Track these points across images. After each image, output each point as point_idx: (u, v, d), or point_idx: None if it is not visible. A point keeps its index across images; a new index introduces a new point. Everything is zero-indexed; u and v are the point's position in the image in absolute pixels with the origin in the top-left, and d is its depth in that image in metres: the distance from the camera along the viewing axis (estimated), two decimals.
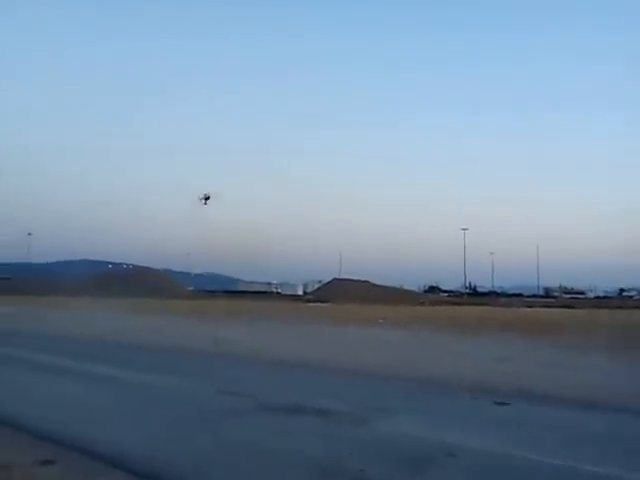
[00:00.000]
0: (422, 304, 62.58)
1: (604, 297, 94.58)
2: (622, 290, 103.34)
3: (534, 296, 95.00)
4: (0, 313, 35.50)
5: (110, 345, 19.26)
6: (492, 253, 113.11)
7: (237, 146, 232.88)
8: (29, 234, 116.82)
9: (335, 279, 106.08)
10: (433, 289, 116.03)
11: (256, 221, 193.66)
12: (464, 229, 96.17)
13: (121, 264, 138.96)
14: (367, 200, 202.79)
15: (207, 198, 66.52)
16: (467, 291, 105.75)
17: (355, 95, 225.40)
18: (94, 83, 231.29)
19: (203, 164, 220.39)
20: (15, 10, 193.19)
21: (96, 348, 18.26)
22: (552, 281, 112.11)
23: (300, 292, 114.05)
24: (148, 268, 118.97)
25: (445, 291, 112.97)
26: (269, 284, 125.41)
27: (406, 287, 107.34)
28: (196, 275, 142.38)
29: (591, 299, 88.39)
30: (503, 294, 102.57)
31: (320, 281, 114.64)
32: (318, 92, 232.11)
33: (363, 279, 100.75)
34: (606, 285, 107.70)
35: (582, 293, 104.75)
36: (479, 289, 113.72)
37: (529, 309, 50.91)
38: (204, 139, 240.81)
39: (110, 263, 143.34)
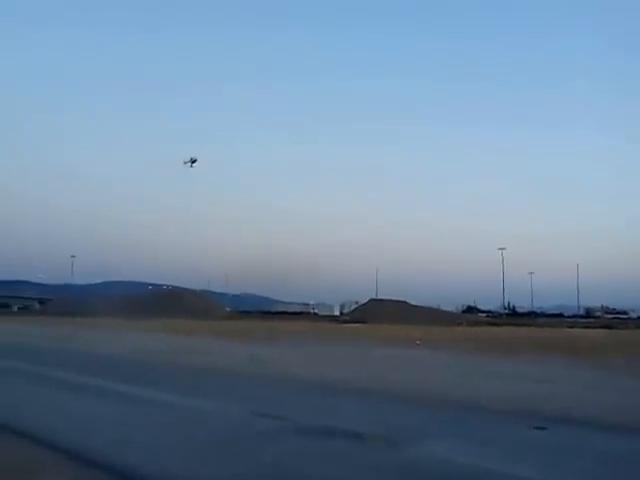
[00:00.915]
0: (460, 325, 61.59)
1: None
2: None
3: (575, 316, 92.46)
4: (40, 334, 36.45)
5: (146, 365, 19.49)
6: (531, 273, 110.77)
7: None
8: (72, 256, 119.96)
9: (372, 299, 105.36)
10: (471, 309, 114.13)
11: (293, 242, 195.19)
12: (502, 248, 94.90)
13: (161, 285, 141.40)
14: (403, 220, 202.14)
15: (193, 161, 66.97)
16: (506, 311, 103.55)
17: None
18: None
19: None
20: None
21: (131, 368, 18.50)
22: (593, 301, 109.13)
23: (337, 313, 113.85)
24: (187, 289, 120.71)
25: (483, 311, 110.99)
26: (306, 305, 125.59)
27: (443, 307, 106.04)
28: (234, 296, 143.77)
29: (634, 319, 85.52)
30: (543, 314, 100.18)
31: (357, 302, 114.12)
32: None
33: (400, 299, 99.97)
34: None
35: (624, 313, 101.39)
36: (518, 309, 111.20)
37: (570, 330, 49.53)
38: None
39: (150, 284, 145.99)
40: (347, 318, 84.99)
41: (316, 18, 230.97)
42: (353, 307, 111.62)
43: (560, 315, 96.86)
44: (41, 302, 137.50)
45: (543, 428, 9.51)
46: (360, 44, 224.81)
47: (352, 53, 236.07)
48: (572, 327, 54.58)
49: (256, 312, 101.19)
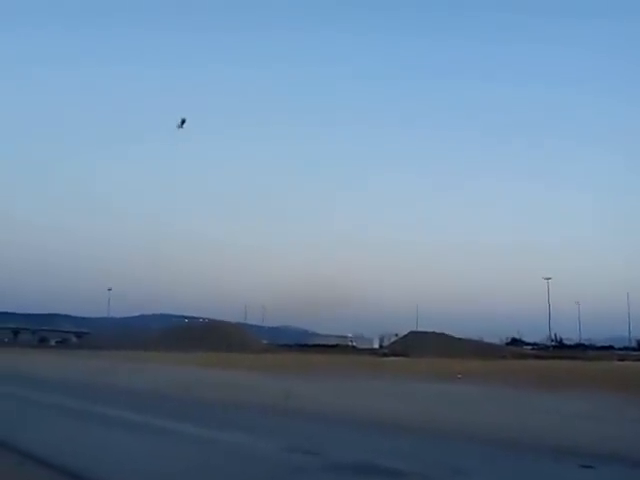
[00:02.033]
0: (503, 358, 59.75)
1: None
2: None
3: (626, 349, 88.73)
4: (78, 368, 36.97)
5: (180, 400, 19.46)
6: (578, 303, 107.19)
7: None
8: (109, 289, 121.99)
9: (412, 332, 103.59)
10: (516, 342, 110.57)
11: (330, 273, 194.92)
12: (547, 278, 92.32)
13: (197, 318, 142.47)
14: (445, 249, 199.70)
15: (183, 121, 67.49)
16: (552, 344, 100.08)
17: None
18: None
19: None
20: None
21: (166, 403, 18.51)
22: None
23: (376, 345, 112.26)
24: (223, 322, 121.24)
25: (529, 344, 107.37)
26: (344, 337, 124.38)
27: (486, 339, 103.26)
28: (271, 328, 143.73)
29: None
30: (592, 347, 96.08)
31: (396, 334, 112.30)
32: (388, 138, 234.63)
33: (441, 331, 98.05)
34: None
35: None
36: (566, 341, 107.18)
37: (620, 363, 47.37)
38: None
39: (186, 317, 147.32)
40: (386, 351, 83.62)
41: None
42: (392, 340, 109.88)
43: (610, 347, 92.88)
44: (78, 335, 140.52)
45: (590, 467, 9.07)
46: None
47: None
48: (623, 360, 52.21)
49: (293, 345, 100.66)
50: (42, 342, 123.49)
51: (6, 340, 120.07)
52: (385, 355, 70.60)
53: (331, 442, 11.30)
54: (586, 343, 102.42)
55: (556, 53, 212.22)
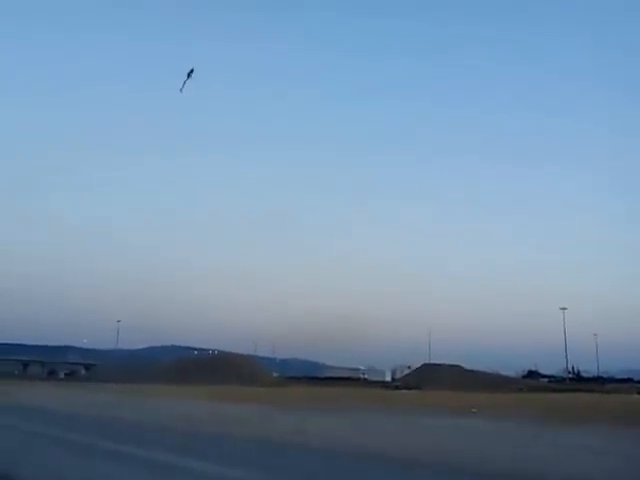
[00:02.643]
0: (519, 391, 58.53)
1: None
2: None
3: None
4: (86, 401, 36.56)
5: (188, 436, 19.05)
6: (595, 334, 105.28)
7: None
8: (118, 321, 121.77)
9: (425, 364, 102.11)
10: (532, 374, 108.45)
11: (342, 305, 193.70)
12: (563, 308, 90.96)
13: (207, 350, 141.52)
14: (458, 279, 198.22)
15: (191, 72, 67.95)
16: (570, 376, 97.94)
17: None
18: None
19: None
20: None
21: (170, 437, 18.15)
22: None
23: (388, 378, 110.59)
24: (233, 354, 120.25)
25: (545, 376, 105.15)
26: (356, 370, 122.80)
27: (502, 372, 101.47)
28: (281, 360, 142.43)
29: None
30: (610, 379, 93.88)
31: (409, 366, 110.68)
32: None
33: (454, 364, 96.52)
34: None
35: None
36: (583, 374, 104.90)
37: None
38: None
39: (195, 349, 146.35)
40: (399, 384, 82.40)
41: None
42: (405, 372, 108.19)
43: (629, 380, 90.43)
44: (87, 368, 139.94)
45: None
46: None
47: None
48: None
49: (304, 377, 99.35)
50: (51, 374, 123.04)
51: (16, 372, 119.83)
52: (397, 388, 69.61)
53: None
54: (604, 375, 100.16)
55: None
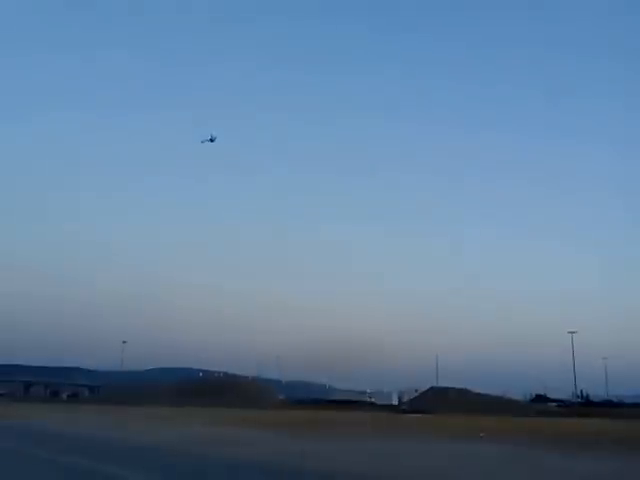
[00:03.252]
0: (527, 415, 57.76)
1: None
2: None
3: None
4: (87, 425, 36.34)
5: (192, 459, 18.92)
6: (605, 358, 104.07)
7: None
8: (124, 342, 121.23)
9: (432, 387, 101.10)
10: (540, 398, 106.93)
11: (348, 328, 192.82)
12: (572, 332, 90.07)
13: (212, 371, 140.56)
14: (465, 303, 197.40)
15: (212, 140, 71.18)
16: (579, 400, 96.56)
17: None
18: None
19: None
20: None
21: (175, 463, 18.01)
22: None
23: (395, 401, 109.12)
24: (239, 376, 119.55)
25: (554, 400, 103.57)
26: (362, 393, 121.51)
27: (509, 395, 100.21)
28: (288, 383, 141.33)
29: None
30: (621, 404, 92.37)
31: (416, 390, 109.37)
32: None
33: (462, 387, 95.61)
34: None
35: None
36: (592, 398, 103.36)
37: None
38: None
39: (201, 370, 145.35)
40: (406, 408, 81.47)
41: None
42: (412, 396, 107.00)
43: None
44: (90, 389, 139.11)
45: None
46: None
47: None
48: None
49: (309, 400, 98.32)
50: (54, 396, 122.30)
51: (17, 394, 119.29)
52: (405, 412, 68.83)
53: None
54: (614, 400, 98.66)
55: None
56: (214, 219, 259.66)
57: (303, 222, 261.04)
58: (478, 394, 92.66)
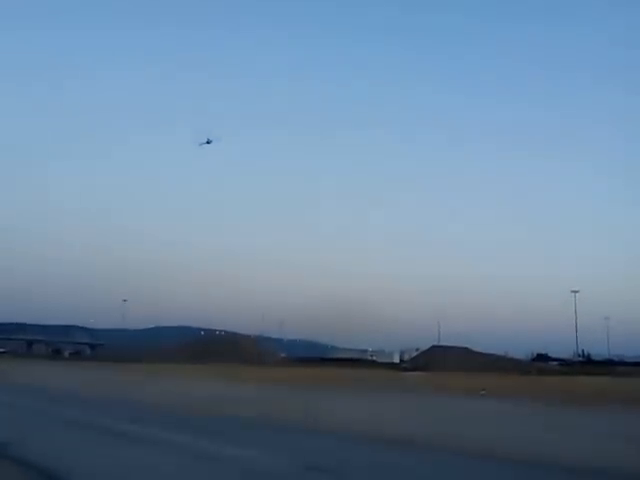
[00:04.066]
0: (528, 373, 57.82)
1: None
2: None
3: None
4: (91, 380, 36.27)
5: (195, 415, 18.68)
6: (607, 318, 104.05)
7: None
8: (124, 300, 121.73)
9: (433, 346, 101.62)
10: (541, 357, 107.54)
11: (350, 287, 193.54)
12: (574, 291, 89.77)
13: (214, 330, 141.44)
14: (468, 261, 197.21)
15: (209, 142, 72.19)
16: (580, 359, 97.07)
17: None
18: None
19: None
20: None
21: (180, 418, 17.81)
22: None
23: (396, 360, 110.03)
24: (240, 335, 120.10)
25: (555, 359, 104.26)
26: (364, 351, 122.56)
27: (511, 355, 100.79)
28: (289, 341, 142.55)
29: None
30: (621, 363, 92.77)
31: (417, 349, 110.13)
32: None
33: (463, 346, 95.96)
34: None
35: None
36: (594, 357, 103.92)
37: None
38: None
39: (203, 329, 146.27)
40: (407, 366, 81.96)
41: None
42: (413, 354, 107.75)
43: None
44: (92, 347, 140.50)
45: None
46: None
47: None
48: None
49: (311, 359, 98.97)
50: (56, 353, 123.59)
51: (20, 351, 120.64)
52: (406, 370, 69.14)
53: (351, 461, 10.80)
54: (615, 359, 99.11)
55: None
56: (222, 181, 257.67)
57: (305, 180, 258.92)
58: (479, 353, 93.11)
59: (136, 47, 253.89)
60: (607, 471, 9.82)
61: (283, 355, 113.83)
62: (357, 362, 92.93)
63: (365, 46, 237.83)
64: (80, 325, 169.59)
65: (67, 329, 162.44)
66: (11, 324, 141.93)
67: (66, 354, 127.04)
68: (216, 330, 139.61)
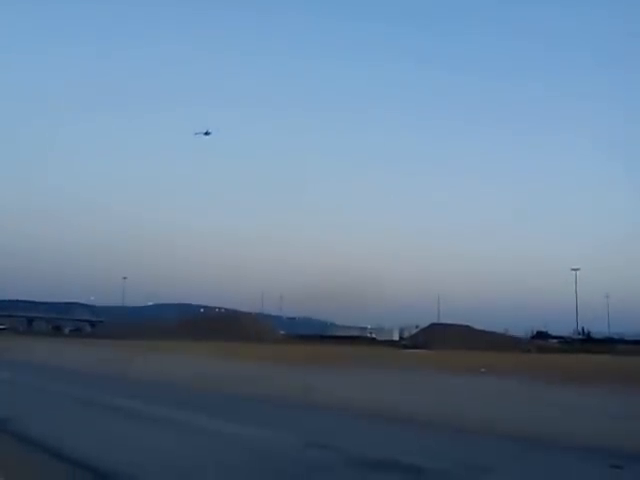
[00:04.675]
0: (528, 351, 58.06)
1: None
2: None
3: None
4: (94, 358, 36.28)
5: (198, 394, 18.71)
6: (607, 296, 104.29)
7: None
8: (124, 278, 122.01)
9: (433, 324, 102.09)
10: (541, 335, 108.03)
11: (350, 264, 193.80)
12: (575, 269, 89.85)
13: (213, 307, 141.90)
14: (467, 238, 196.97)
15: (207, 133, 72.92)
16: (580, 337, 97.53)
17: None
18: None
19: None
20: None
21: (180, 396, 17.81)
22: None
23: (396, 337, 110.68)
24: (240, 312, 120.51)
25: (555, 337, 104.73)
26: (363, 329, 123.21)
27: (511, 332, 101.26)
28: (288, 319, 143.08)
29: None
30: (621, 341, 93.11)
31: (417, 326, 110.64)
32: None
33: (463, 324, 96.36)
34: None
35: None
36: (594, 335, 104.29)
37: None
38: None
39: (202, 306, 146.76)
40: (406, 343, 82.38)
41: None
42: (413, 332, 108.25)
43: None
44: (92, 324, 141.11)
45: (619, 467, 8.67)
46: None
47: None
48: None
49: (311, 336, 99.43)
50: (56, 330, 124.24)
51: (20, 328, 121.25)
52: (405, 347, 69.44)
53: (352, 438, 10.92)
54: (615, 337, 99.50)
55: None
56: (219, 157, 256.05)
57: (302, 159, 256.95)
58: (478, 331, 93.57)
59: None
60: (608, 450, 9.82)
61: (282, 332, 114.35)
62: (357, 339, 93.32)
63: (369, 27, 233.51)
64: (81, 302, 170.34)
65: (68, 306, 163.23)
66: (12, 301, 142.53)
67: (66, 331, 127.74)
68: (216, 307, 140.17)
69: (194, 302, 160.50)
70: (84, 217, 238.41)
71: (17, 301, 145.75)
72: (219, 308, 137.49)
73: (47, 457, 8.68)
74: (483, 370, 28.13)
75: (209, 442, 10.20)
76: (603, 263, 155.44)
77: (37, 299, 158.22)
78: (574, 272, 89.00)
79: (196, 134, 75.00)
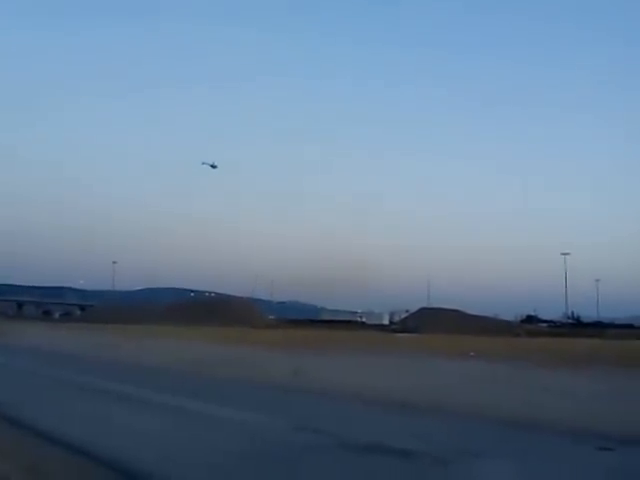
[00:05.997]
0: (517, 335, 58.60)
1: None
2: None
3: None
4: (84, 342, 36.17)
5: (189, 378, 18.74)
6: (597, 280, 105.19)
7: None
8: (114, 262, 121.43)
9: (423, 308, 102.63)
10: (531, 319, 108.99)
11: (340, 248, 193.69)
12: (565, 254, 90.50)
13: (203, 292, 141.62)
14: (458, 222, 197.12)
15: (213, 166, 73.88)
16: (569, 321, 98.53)
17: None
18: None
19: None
20: None
21: (171, 380, 17.80)
22: None
23: (386, 322, 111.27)
24: (230, 296, 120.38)
25: (544, 321, 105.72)
26: (353, 313, 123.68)
27: (501, 317, 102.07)
28: (278, 303, 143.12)
29: None
30: (611, 325, 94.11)
31: (407, 310, 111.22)
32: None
33: (453, 308, 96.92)
34: None
35: None
36: (584, 319, 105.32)
37: None
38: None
39: (192, 291, 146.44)
40: (396, 327, 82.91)
41: None
42: (403, 316, 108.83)
43: (630, 326, 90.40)
44: (82, 308, 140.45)
45: (609, 449, 8.75)
46: None
47: None
48: None
49: (301, 320, 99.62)
50: (46, 315, 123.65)
51: (10, 313, 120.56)
52: (395, 331, 69.84)
53: (343, 422, 11.01)
54: (605, 321, 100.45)
55: None
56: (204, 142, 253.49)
57: (292, 146, 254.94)
58: (468, 315, 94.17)
59: None
60: (600, 433, 9.88)
61: (272, 317, 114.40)
62: (347, 324, 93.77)
63: (372, 17, 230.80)
64: (70, 286, 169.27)
65: (58, 290, 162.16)
66: (1, 285, 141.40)
67: (56, 315, 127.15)
68: (206, 292, 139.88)
69: (184, 286, 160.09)
70: (74, 200, 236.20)
71: (6, 285, 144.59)
72: (209, 292, 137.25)
73: (39, 441, 8.69)
74: (472, 354, 28.35)
75: (204, 426, 10.23)
76: (593, 248, 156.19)
77: (26, 283, 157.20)
78: (564, 257, 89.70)
79: (203, 164, 75.80)
